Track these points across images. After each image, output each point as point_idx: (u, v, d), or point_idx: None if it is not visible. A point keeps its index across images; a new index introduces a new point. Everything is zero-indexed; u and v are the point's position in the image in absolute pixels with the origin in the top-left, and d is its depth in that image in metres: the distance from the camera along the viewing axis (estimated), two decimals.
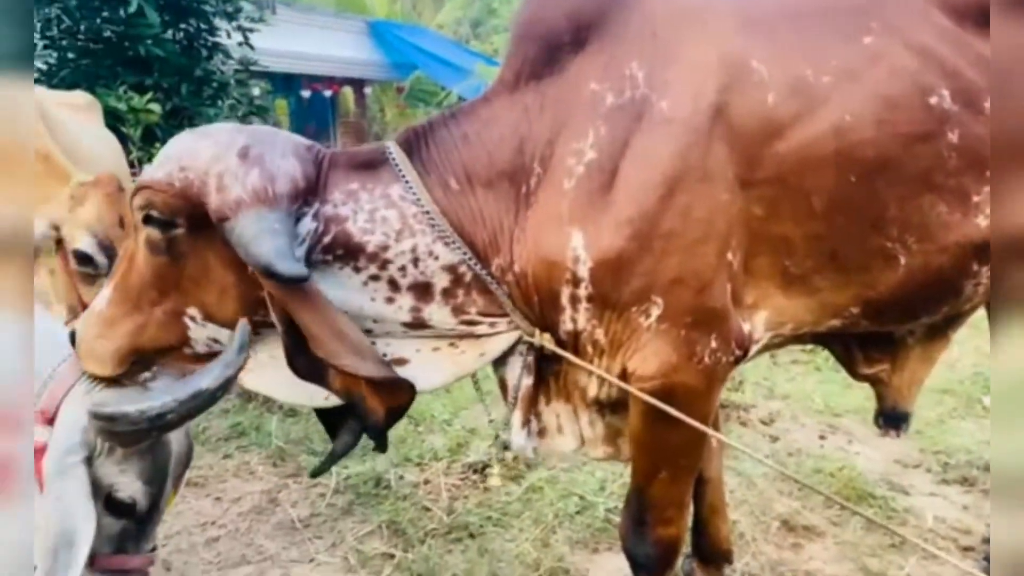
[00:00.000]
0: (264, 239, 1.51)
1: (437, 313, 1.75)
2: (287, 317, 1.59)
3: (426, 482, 3.40)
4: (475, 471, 3.48)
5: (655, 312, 1.68)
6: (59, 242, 2.53)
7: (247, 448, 3.77)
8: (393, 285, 1.72)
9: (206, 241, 1.62)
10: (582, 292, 1.69)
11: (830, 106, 1.67)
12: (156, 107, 7.22)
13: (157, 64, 7.73)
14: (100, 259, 2.52)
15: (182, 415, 1.65)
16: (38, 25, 7.85)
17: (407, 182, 1.70)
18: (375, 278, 1.71)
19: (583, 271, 1.67)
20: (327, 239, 1.67)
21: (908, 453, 3.64)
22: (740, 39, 1.71)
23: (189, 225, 1.61)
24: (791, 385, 4.54)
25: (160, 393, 1.65)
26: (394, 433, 3.84)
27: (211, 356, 1.77)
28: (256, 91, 9.62)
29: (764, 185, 1.68)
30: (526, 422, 1.87)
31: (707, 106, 1.65)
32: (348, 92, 15.66)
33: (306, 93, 14.30)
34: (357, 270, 1.70)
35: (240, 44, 8.77)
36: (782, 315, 1.81)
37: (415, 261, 1.70)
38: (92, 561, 1.78)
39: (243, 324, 1.65)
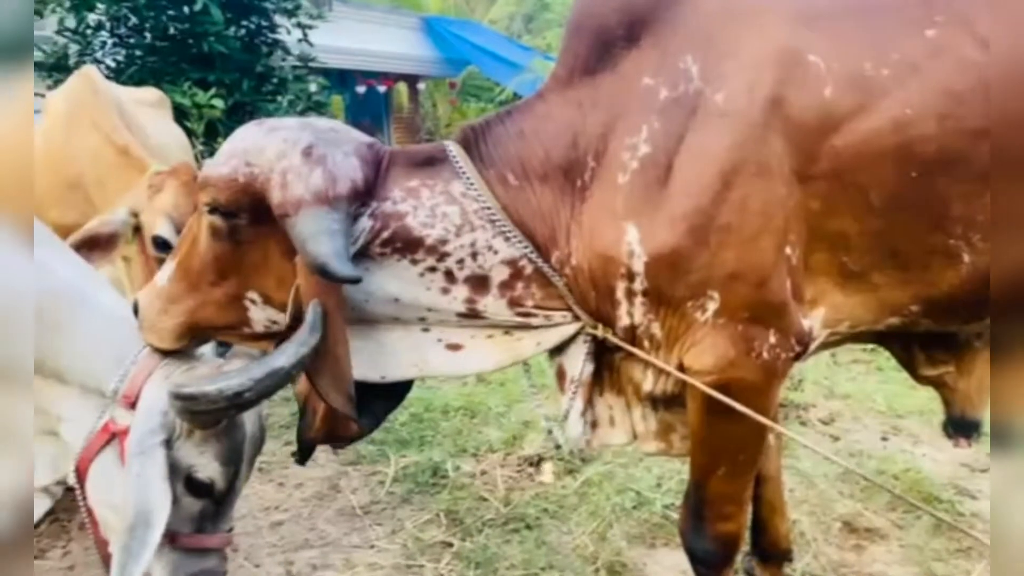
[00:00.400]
0: (323, 239, 1.54)
1: (492, 305, 1.77)
2: (299, 314, 1.65)
3: (482, 473, 3.44)
4: (531, 464, 3.50)
5: (711, 307, 1.67)
6: (136, 229, 2.63)
7: None
8: (449, 277, 1.74)
9: (268, 231, 1.67)
10: (637, 286, 1.70)
11: (890, 100, 1.63)
12: (219, 102, 7.39)
13: (220, 60, 7.91)
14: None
15: (259, 393, 1.69)
16: (107, 24, 8.12)
17: (468, 179, 1.73)
18: (432, 270, 1.73)
19: (638, 266, 1.67)
20: (386, 234, 1.71)
21: (976, 456, 3.53)
22: (797, 32, 1.69)
23: (251, 216, 1.66)
24: (852, 385, 4.46)
25: (237, 373, 1.70)
26: (450, 424, 3.92)
27: (268, 335, 1.83)
28: (314, 87, 9.78)
29: (821, 179, 1.66)
30: (584, 411, 1.88)
31: (763, 99, 1.64)
32: (402, 88, 15.85)
33: (361, 89, 14.50)
34: (414, 262, 1.73)
35: (299, 40, 8.93)
36: (839, 312, 1.78)
37: (474, 255, 1.73)
38: (174, 539, 1.85)
39: (315, 304, 1.67)
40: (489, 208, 1.72)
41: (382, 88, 15.04)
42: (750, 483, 1.92)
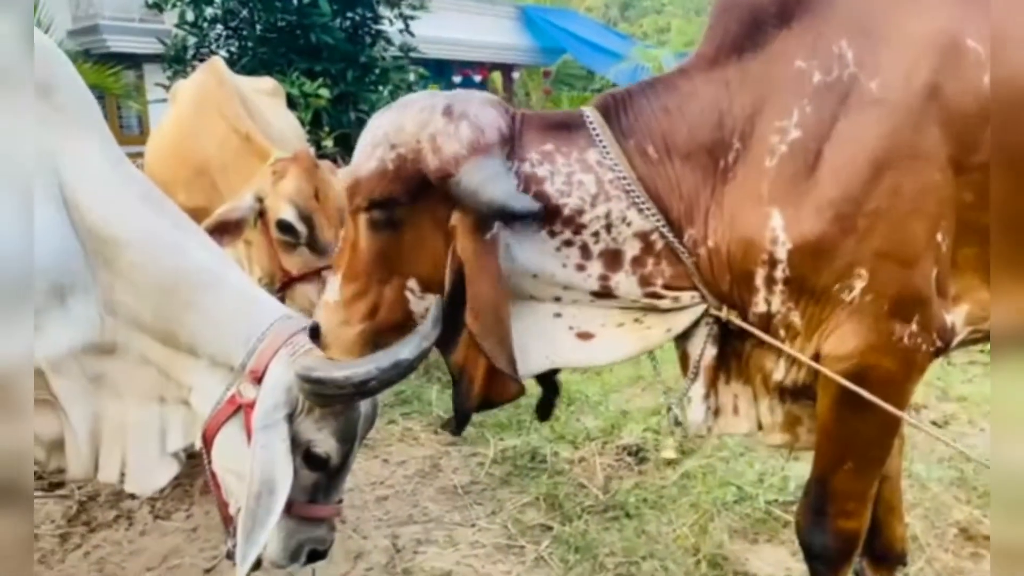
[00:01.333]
0: (491, 183, 1.56)
1: (624, 282, 1.75)
2: (457, 279, 1.64)
3: (581, 460, 3.45)
4: (629, 453, 3.49)
5: (859, 285, 1.62)
6: (260, 214, 2.76)
7: (410, 415, 3.98)
8: (585, 251, 1.73)
9: (421, 207, 1.68)
10: (779, 274, 1.66)
11: None
12: (325, 92, 7.62)
13: (326, 51, 8.15)
14: (300, 228, 2.73)
15: (383, 382, 1.75)
16: (222, 16, 8.49)
17: (604, 147, 1.71)
18: (568, 243, 1.72)
19: (781, 253, 1.64)
20: None
21: None
22: (956, 16, 1.63)
23: (408, 197, 1.67)
24: (968, 387, 4.24)
25: (364, 362, 1.76)
26: None
27: None
28: (413, 77, 9.96)
29: (978, 171, 1.59)
30: (707, 395, 1.86)
31: (920, 86, 1.58)
32: (497, 77, 15.94)
33: (457, 79, 14.68)
34: (552, 234, 1.71)
35: (401, 31, 9.10)
36: (985, 309, 1.71)
37: (608, 227, 1.71)
38: (289, 508, 1.94)
39: (438, 300, 1.72)
40: (624, 178, 1.69)
41: (478, 78, 15.18)
42: (876, 480, 1.86)
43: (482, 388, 1.76)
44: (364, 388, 1.76)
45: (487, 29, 14.87)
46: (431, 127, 1.63)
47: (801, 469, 3.13)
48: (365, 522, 3.00)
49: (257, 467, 1.87)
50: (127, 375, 2.16)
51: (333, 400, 1.88)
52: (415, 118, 1.65)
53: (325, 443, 1.99)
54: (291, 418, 1.95)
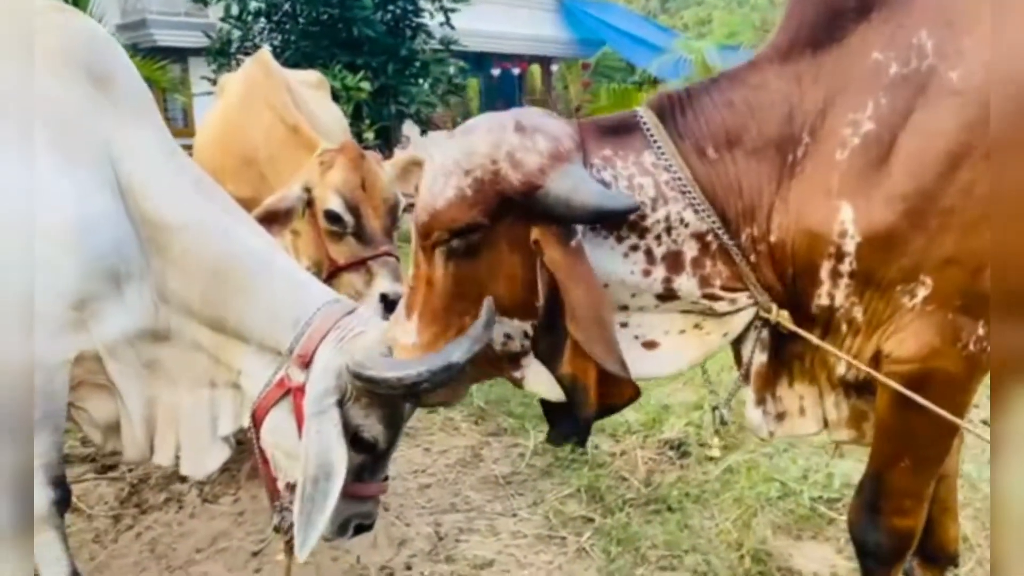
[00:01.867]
0: (582, 187, 1.54)
1: (686, 284, 1.74)
2: (552, 292, 1.61)
3: (622, 453, 3.44)
4: (671, 447, 3.47)
5: (922, 292, 1.59)
6: (308, 204, 2.79)
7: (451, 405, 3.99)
8: (649, 256, 1.72)
9: (498, 228, 1.66)
10: (845, 267, 1.64)
11: None
12: (366, 85, 7.69)
13: (367, 45, 8.22)
14: (347, 218, 2.76)
15: (434, 384, 1.76)
16: (265, 10, 8.60)
17: (659, 148, 1.69)
18: (635, 248, 1.71)
19: (849, 246, 1.61)
20: None
21: None
22: None
23: (489, 219, 1.63)
24: None
25: (417, 363, 1.77)
26: None
27: (509, 356, 1.81)
28: (452, 69, 9.99)
29: None
30: (760, 401, 1.83)
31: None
32: (536, 70, 15.91)
33: (496, 71, 14.69)
34: (620, 240, 1.71)
35: (441, 24, 9.12)
36: None
37: (668, 230, 1.70)
38: None
39: (489, 301, 1.69)
40: (680, 179, 1.68)
41: (516, 70, 15.17)
42: (933, 479, 1.83)
43: (597, 395, 1.72)
44: (416, 389, 1.78)
45: (526, 21, 14.84)
46: (506, 145, 1.60)
47: (846, 466, 3.08)
48: (408, 509, 3.03)
49: (313, 452, 1.90)
50: (179, 361, 2.21)
51: (384, 397, 1.92)
52: (485, 139, 1.62)
53: (373, 428, 2.02)
54: (341, 403, 1.98)
